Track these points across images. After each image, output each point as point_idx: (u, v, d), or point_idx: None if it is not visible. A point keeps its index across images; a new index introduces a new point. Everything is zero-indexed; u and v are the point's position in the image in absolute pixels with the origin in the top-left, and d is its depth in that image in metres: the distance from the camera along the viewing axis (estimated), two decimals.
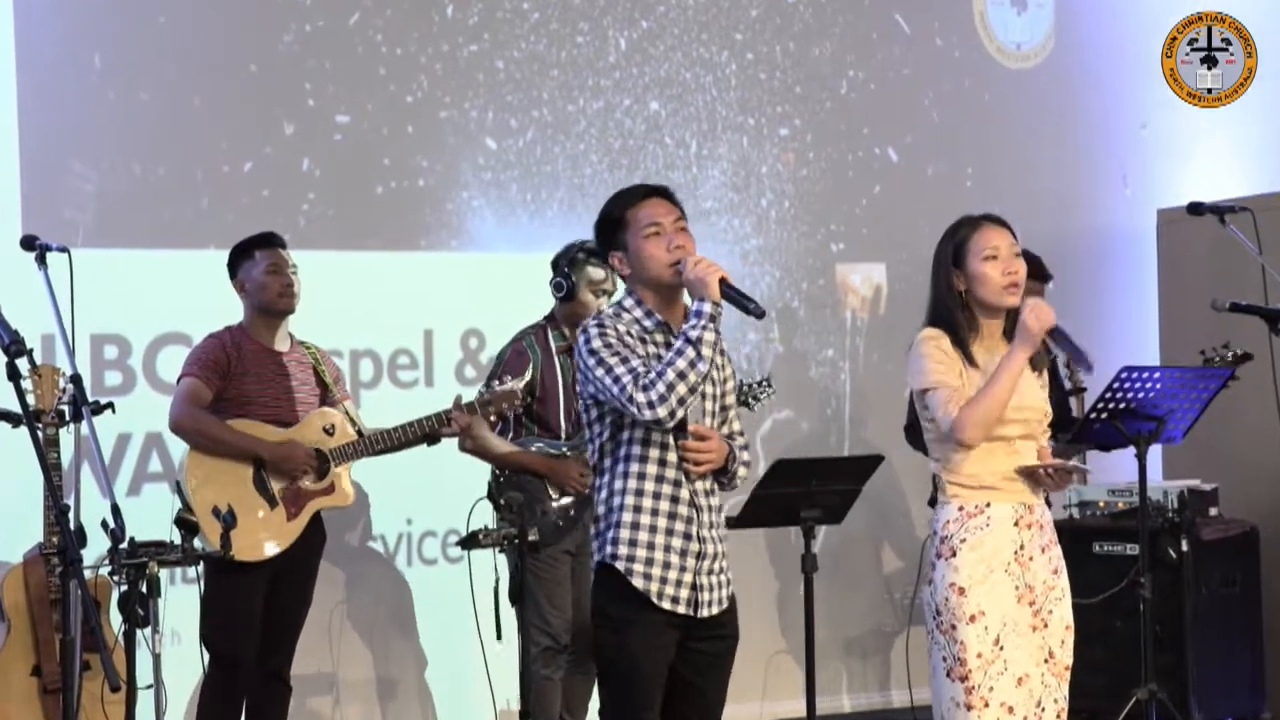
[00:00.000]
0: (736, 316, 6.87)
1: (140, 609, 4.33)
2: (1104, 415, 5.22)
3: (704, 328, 3.79)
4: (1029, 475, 4.10)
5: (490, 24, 6.56)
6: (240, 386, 5.17)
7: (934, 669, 4.09)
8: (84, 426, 4.53)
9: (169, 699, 4.70)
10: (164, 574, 4.55)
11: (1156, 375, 5.25)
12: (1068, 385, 6.39)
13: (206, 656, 5.13)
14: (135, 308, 5.91)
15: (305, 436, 5.21)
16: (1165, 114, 7.59)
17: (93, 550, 4.51)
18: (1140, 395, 5.18)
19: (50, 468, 4.56)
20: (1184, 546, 6.01)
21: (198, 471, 5.11)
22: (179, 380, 5.23)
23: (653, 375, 3.76)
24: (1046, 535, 4.14)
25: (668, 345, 3.86)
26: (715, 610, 3.92)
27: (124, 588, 4.36)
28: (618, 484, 3.87)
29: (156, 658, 4.44)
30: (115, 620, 4.66)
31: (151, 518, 4.97)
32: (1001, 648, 4.01)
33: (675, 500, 3.87)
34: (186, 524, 4.54)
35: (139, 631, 4.38)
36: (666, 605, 3.84)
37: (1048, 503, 4.24)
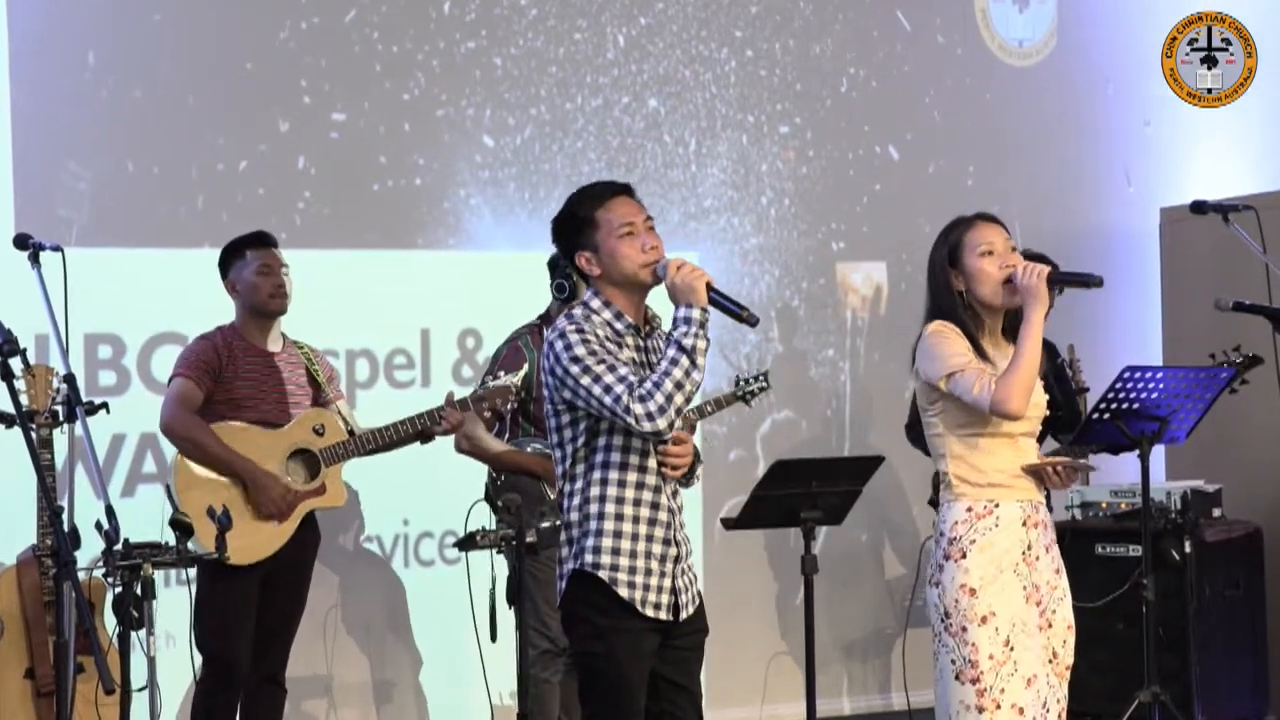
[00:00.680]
0: None
1: (134, 611, 4.33)
2: (1106, 415, 5.22)
3: (696, 335, 3.77)
4: (1034, 473, 4.12)
5: (487, 21, 6.56)
6: (231, 388, 5.18)
7: (940, 672, 4.09)
8: (78, 427, 4.52)
9: (163, 702, 4.70)
10: (158, 576, 4.54)
11: (1159, 375, 5.25)
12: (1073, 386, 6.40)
13: (200, 659, 5.13)
14: (129, 307, 5.91)
15: (295, 437, 5.21)
16: (1168, 112, 7.59)
17: (87, 552, 4.51)
18: (1143, 395, 5.19)
19: (44, 469, 4.56)
20: (1187, 548, 6.01)
21: (188, 474, 5.12)
22: (170, 381, 5.24)
23: (649, 386, 3.74)
24: (1049, 535, 4.17)
25: (638, 348, 3.87)
26: (690, 611, 3.93)
27: (118, 590, 4.36)
28: (594, 490, 3.85)
29: (151, 660, 4.44)
30: (109, 622, 4.65)
31: (146, 519, 4.96)
32: (1011, 649, 4.03)
33: (655, 506, 3.87)
34: (181, 526, 4.54)
35: (133, 634, 4.38)
36: (650, 613, 3.85)
37: (1048, 504, 4.26)
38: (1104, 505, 6.44)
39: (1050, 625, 4.11)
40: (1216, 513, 6.47)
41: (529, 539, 4.95)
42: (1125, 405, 5.21)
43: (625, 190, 3.93)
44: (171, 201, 6.06)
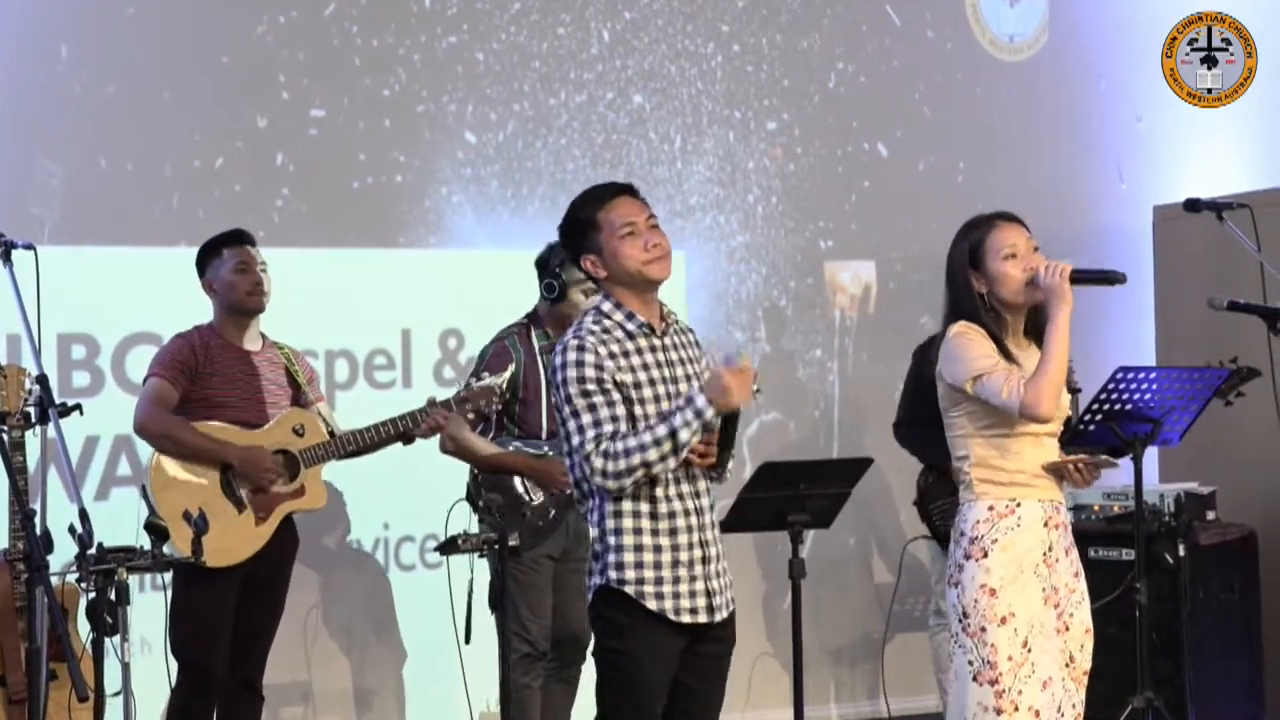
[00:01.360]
0: (722, 314, 6.93)
1: (109, 617, 4.31)
2: (1099, 417, 5.22)
3: (693, 430, 3.75)
4: (1055, 471, 4.14)
5: (469, 15, 6.55)
6: (207, 388, 5.16)
7: (958, 673, 4.10)
8: (51, 429, 4.51)
9: (138, 709, 4.70)
10: (133, 581, 4.53)
11: (1153, 376, 5.25)
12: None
13: (175, 665, 5.12)
14: (103, 306, 5.90)
15: (274, 438, 5.20)
16: (1162, 108, 7.61)
17: (59, 556, 4.50)
18: (1136, 396, 5.18)
19: (15, 471, 4.54)
20: (1181, 551, 6.02)
21: (163, 475, 5.10)
22: (145, 381, 5.23)
23: (620, 447, 3.75)
24: (1069, 537, 4.21)
25: (651, 349, 3.87)
26: (724, 615, 3.92)
27: (92, 595, 4.34)
28: (610, 505, 3.84)
29: (125, 666, 4.42)
30: (83, 628, 4.64)
31: (120, 522, 4.96)
32: (1029, 650, 4.05)
33: (678, 512, 3.86)
34: (156, 529, 4.52)
35: (107, 640, 4.37)
36: (687, 619, 3.85)
37: None
38: (1096, 508, 6.45)
39: (1068, 629, 4.14)
40: (1210, 515, 6.48)
41: (511, 542, 4.95)
42: (1118, 406, 5.20)
43: (626, 190, 3.96)
44: (146, 199, 6.04)
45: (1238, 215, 5.42)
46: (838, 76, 7.23)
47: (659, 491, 3.84)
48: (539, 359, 5.41)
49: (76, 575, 4.38)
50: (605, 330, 3.86)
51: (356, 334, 6.27)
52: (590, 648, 5.46)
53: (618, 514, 3.84)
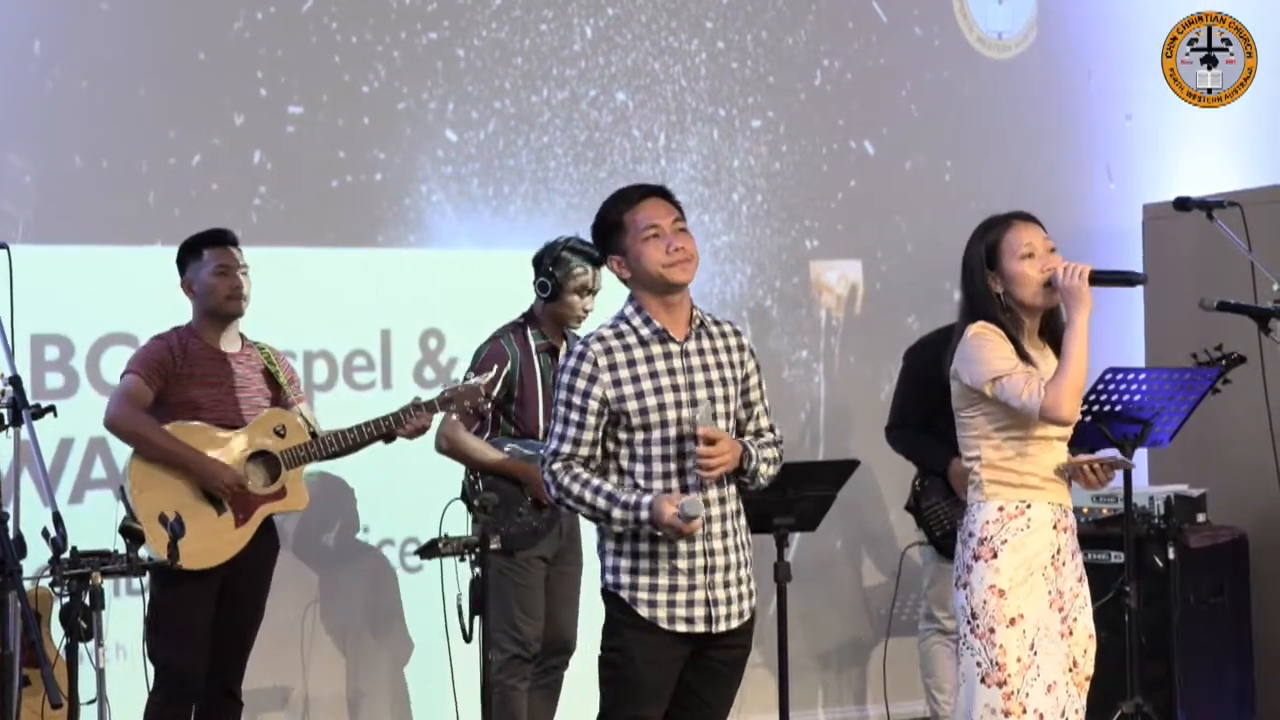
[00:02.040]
0: (711, 306, 6.91)
1: (83, 622, 4.31)
2: (1088, 418, 5.24)
3: (625, 523, 3.85)
4: (1068, 472, 4.18)
5: (450, 10, 6.56)
6: (184, 389, 5.16)
7: (965, 676, 4.13)
8: (24, 431, 4.50)
9: (113, 715, 4.68)
10: (108, 585, 4.53)
11: (1142, 376, 5.28)
12: None
13: (152, 671, 5.11)
14: (78, 307, 5.89)
15: (254, 439, 5.20)
16: (1151, 106, 7.64)
17: (33, 560, 4.49)
18: (1125, 397, 5.21)
19: None
20: (1170, 554, 6.04)
21: (141, 476, 5.10)
22: (121, 377, 5.23)
23: (566, 480, 3.89)
24: (1074, 541, 4.24)
25: (666, 355, 3.92)
26: (734, 624, 3.94)
27: (66, 599, 4.34)
28: None
29: (100, 673, 4.42)
30: (57, 633, 4.63)
31: (95, 526, 4.95)
32: (1035, 653, 4.07)
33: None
34: (132, 532, 4.52)
35: (82, 645, 4.36)
36: (681, 628, 3.87)
37: None
38: (1085, 511, 6.46)
39: (1071, 633, 4.18)
40: (1201, 518, 6.51)
41: (493, 545, 4.95)
42: (1107, 407, 5.23)
43: (657, 192, 4.01)
44: (121, 197, 6.03)
45: (1228, 214, 5.44)
46: (823, 74, 7.24)
47: (662, 489, 3.88)
48: (535, 358, 5.43)
49: (50, 580, 4.38)
50: (618, 335, 3.93)
51: (335, 334, 6.27)
52: (574, 652, 5.49)
53: None
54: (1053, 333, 4.22)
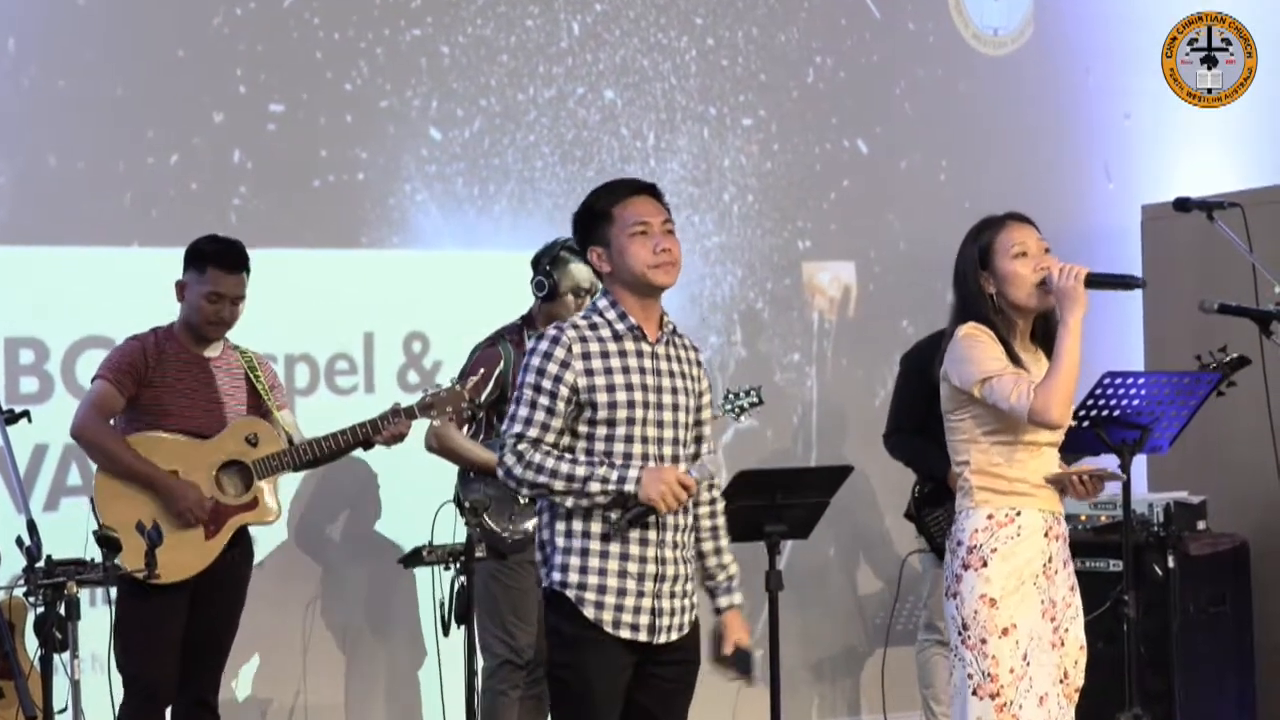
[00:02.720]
0: (697, 316, 6.93)
1: (58, 632, 4.30)
2: (1085, 423, 5.23)
3: (605, 492, 3.81)
4: (1057, 483, 4.16)
5: (434, 7, 6.55)
6: (157, 395, 5.13)
7: (958, 688, 4.12)
8: None
9: None
10: (83, 595, 4.51)
11: (1141, 381, 5.26)
12: None
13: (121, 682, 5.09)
14: (53, 309, 5.87)
15: (226, 448, 5.16)
16: (1150, 105, 7.64)
17: (7, 569, 4.49)
18: (1124, 402, 5.19)
19: None
20: (1170, 562, 6.04)
21: (109, 486, 5.07)
22: (91, 382, 5.20)
23: (536, 458, 3.83)
24: (1067, 550, 4.24)
25: (638, 353, 3.90)
26: (675, 636, 3.92)
27: (40, 610, 4.32)
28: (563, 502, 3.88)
29: (75, 684, 4.40)
30: (31, 644, 4.62)
31: (70, 534, 4.92)
32: (1028, 664, 4.06)
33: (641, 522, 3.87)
34: (108, 541, 4.50)
35: (56, 656, 4.35)
36: (625, 634, 3.85)
37: None
38: (1083, 518, 6.46)
39: (1063, 644, 4.17)
40: (1201, 525, 6.51)
41: (478, 553, 4.94)
42: (1105, 412, 5.20)
43: (648, 190, 3.99)
44: (98, 198, 6.02)
45: (1228, 215, 5.43)
46: (816, 71, 7.24)
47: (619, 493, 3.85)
48: None
49: (24, 589, 4.37)
50: (592, 326, 3.91)
51: (317, 337, 6.26)
52: None
53: (569, 514, 3.88)
54: (1046, 337, 4.21)
